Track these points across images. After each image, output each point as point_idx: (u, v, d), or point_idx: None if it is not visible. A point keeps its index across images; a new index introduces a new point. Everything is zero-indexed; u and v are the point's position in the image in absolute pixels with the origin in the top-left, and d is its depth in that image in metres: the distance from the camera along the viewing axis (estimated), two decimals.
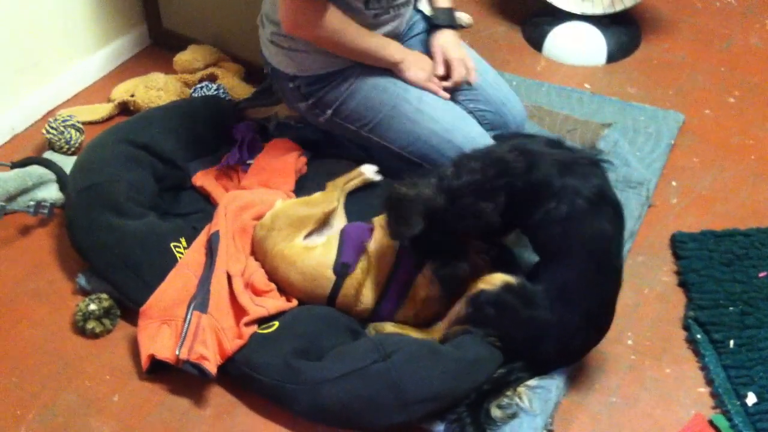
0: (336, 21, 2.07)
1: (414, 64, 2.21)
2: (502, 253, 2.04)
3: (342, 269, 1.97)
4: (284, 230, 2.03)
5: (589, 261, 1.82)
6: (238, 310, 1.96)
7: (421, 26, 2.35)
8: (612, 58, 3.00)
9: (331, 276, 1.98)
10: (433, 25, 2.30)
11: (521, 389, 1.87)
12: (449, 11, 2.31)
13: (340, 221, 2.15)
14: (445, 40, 2.26)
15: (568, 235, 1.81)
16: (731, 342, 2.00)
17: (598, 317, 1.87)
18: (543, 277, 1.86)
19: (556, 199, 1.81)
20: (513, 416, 1.83)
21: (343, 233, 2.04)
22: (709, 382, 1.94)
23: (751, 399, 1.88)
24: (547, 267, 1.88)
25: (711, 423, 1.86)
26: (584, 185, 1.82)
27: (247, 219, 2.12)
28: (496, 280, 1.87)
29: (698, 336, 2.03)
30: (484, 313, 1.86)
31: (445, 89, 2.23)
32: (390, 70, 2.21)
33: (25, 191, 2.34)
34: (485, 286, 1.86)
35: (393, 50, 2.20)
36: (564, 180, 1.82)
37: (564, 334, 1.84)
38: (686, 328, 2.06)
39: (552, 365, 1.90)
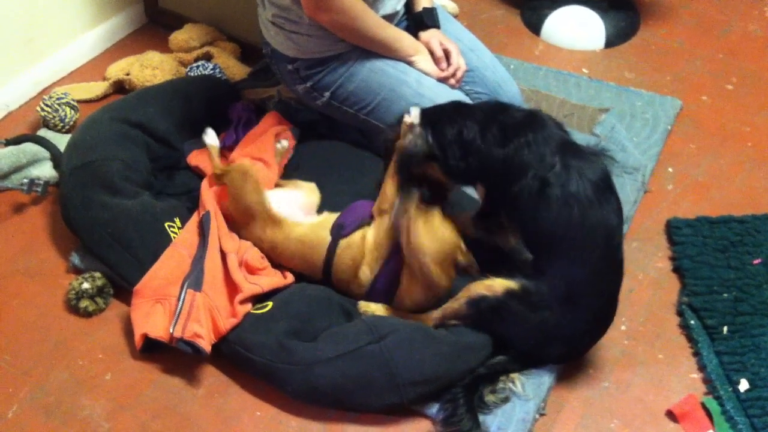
0: (356, 7, 2.08)
1: (428, 56, 2.23)
2: (496, 255, 2.00)
3: (338, 229, 1.97)
4: (263, 219, 2.03)
5: (599, 256, 1.77)
6: (233, 289, 1.95)
7: (403, 24, 2.34)
8: (610, 42, 2.99)
9: (327, 237, 1.97)
10: (418, 24, 2.29)
11: (514, 374, 1.86)
12: (432, 10, 2.31)
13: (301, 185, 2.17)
14: (438, 35, 2.27)
15: (573, 221, 1.75)
16: (724, 328, 2.00)
17: (606, 316, 1.87)
18: (549, 273, 1.79)
19: (553, 171, 1.76)
20: (505, 400, 1.83)
21: (349, 206, 2.03)
22: (702, 368, 1.95)
23: (743, 385, 1.88)
24: (552, 262, 1.80)
25: (703, 405, 1.86)
26: (590, 169, 1.77)
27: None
28: (497, 286, 1.81)
29: (692, 322, 2.03)
30: (485, 319, 1.84)
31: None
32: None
33: (18, 169, 2.33)
34: (486, 293, 1.82)
35: (407, 43, 2.21)
36: (565, 158, 1.77)
37: (573, 336, 1.84)
38: (680, 313, 2.06)
39: (556, 363, 1.90)
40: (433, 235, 1.84)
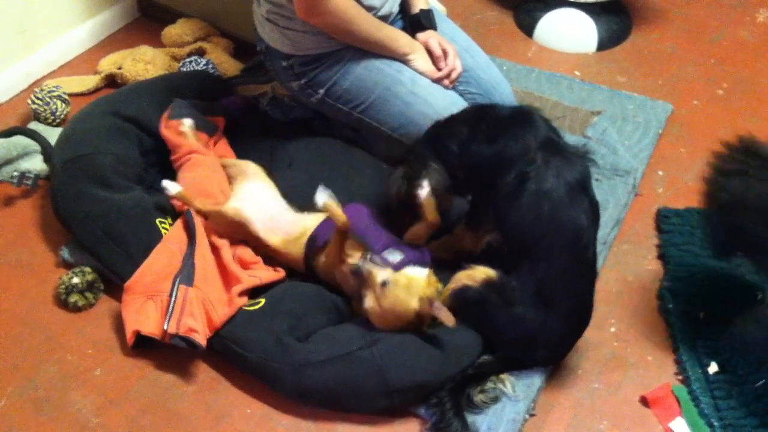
0: (349, 10, 2.08)
1: (424, 56, 2.23)
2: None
3: (310, 247, 1.98)
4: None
5: (566, 255, 1.81)
6: (227, 280, 1.96)
7: (399, 24, 2.34)
8: (602, 46, 3.00)
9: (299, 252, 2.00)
10: (415, 26, 2.30)
11: (504, 375, 1.87)
12: (429, 12, 2.31)
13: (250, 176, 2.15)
14: (436, 35, 2.27)
15: (542, 217, 1.80)
16: (701, 314, 2.03)
17: (580, 317, 1.88)
18: (519, 269, 1.84)
19: (533, 167, 1.81)
20: (495, 400, 1.84)
21: (318, 228, 2.00)
22: (675, 349, 1.98)
23: (712, 368, 1.92)
24: (522, 258, 1.85)
25: (674, 393, 1.90)
26: (568, 168, 1.82)
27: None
28: (478, 275, 1.85)
29: (670, 306, 2.06)
30: (470, 312, 1.86)
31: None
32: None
33: (8, 161, 2.32)
34: (469, 282, 1.85)
35: (403, 43, 2.21)
36: (546, 155, 1.82)
37: (549, 336, 1.84)
38: (660, 297, 2.09)
39: (538, 365, 1.91)
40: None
